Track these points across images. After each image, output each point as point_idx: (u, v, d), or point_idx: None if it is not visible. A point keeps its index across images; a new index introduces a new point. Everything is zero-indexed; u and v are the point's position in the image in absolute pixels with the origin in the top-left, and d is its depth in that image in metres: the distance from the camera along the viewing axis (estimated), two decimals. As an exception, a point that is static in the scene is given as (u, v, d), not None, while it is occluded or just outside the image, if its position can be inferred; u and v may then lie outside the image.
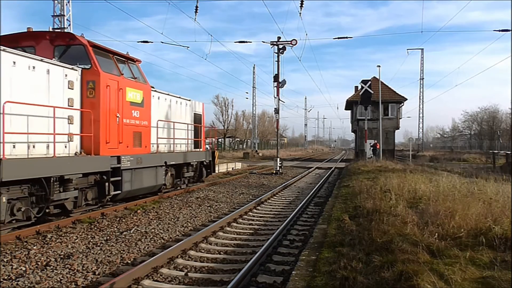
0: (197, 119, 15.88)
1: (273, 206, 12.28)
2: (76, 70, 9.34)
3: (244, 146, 72.26)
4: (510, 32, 21.52)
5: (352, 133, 54.30)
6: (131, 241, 7.69)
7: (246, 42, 39.17)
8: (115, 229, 8.63)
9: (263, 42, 30.61)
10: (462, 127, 78.51)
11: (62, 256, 6.60)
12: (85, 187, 9.46)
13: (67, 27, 19.05)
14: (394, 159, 33.09)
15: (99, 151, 9.57)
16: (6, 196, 7.14)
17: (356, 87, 42.78)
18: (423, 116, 62.70)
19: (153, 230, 8.64)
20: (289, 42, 24.55)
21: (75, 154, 9.27)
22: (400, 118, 41.83)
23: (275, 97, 24.91)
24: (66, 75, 9.00)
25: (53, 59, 9.23)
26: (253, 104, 60.20)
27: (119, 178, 10.21)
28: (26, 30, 9.91)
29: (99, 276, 5.77)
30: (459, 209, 6.83)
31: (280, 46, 24.74)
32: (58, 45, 9.78)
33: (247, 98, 63.43)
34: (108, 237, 7.91)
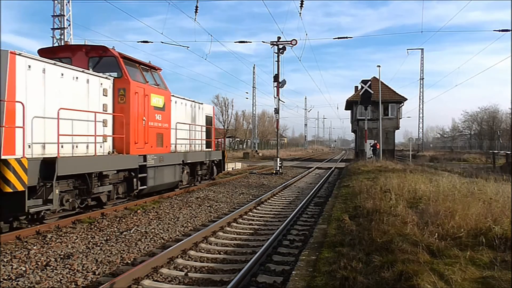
0: (208, 121, 17.05)
1: (273, 206, 12.28)
2: (109, 79, 10.55)
3: (244, 146, 72.29)
4: (510, 32, 21.53)
5: (352, 133, 54.32)
6: (131, 241, 7.69)
7: (246, 42, 39.22)
8: (115, 229, 8.63)
9: (263, 42, 30.65)
10: (462, 127, 78.56)
11: (62, 256, 6.60)
12: (117, 182, 10.59)
13: (67, 27, 19.05)
14: (394, 159, 33.09)
15: (129, 150, 10.77)
16: (58, 189, 8.20)
17: (356, 87, 42.80)
18: (423, 116, 62.77)
19: (153, 230, 8.64)
20: (289, 42, 24.55)
21: (108, 153, 10.44)
22: (400, 118, 41.84)
23: (275, 97, 24.92)
24: (101, 83, 10.20)
25: (88, 69, 10.35)
26: (253, 104, 60.30)
27: (145, 174, 11.39)
28: (64, 44, 10.82)
29: (99, 276, 5.77)
30: (459, 209, 6.83)
31: (280, 46, 24.74)
32: (92, 56, 10.95)
33: (247, 98, 63.55)
34: (108, 237, 7.91)
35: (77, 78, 9.31)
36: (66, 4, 19.08)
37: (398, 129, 42.38)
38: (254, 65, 74.62)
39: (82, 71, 9.60)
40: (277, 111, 25.29)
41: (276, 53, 24.80)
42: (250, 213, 10.88)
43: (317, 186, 17.04)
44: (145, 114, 11.48)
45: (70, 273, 5.84)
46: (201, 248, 7.32)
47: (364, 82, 31.16)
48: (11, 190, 7.09)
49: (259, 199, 12.71)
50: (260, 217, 10.55)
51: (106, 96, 10.35)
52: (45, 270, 5.91)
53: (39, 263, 6.23)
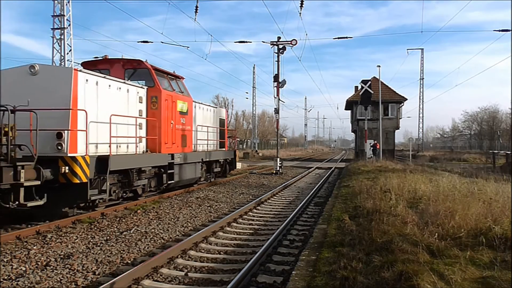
0: (222, 123, 18.87)
1: (273, 206, 12.28)
2: (144, 88, 12.11)
3: (244, 146, 72.26)
4: (510, 32, 21.53)
5: (352, 133, 54.33)
6: (131, 241, 7.69)
7: (246, 42, 39.35)
8: (115, 229, 8.63)
9: (263, 42, 30.64)
10: (462, 127, 78.60)
11: (62, 256, 6.61)
12: (150, 177, 12.14)
13: (67, 27, 19.05)
14: (394, 159, 33.08)
15: (161, 150, 12.42)
16: (109, 181, 9.68)
17: (356, 87, 42.78)
18: (423, 116, 62.78)
19: (153, 230, 8.64)
20: (289, 42, 24.54)
21: (143, 152, 11.92)
22: (400, 118, 41.83)
23: (275, 97, 24.91)
24: (138, 92, 11.76)
25: (124, 79, 11.72)
26: (253, 104, 60.28)
27: (172, 171, 12.96)
28: (103, 58, 12.90)
29: (99, 276, 5.77)
30: (459, 209, 6.83)
31: (280, 46, 24.73)
32: (128, 68, 12.55)
33: (247, 98, 63.55)
34: (108, 237, 7.91)
35: (120, 88, 10.88)
36: (66, 4, 19.08)
37: (398, 129, 42.42)
38: (254, 65, 74.71)
39: (124, 82, 11.19)
40: (277, 111, 25.30)
41: (276, 53, 24.80)
42: (250, 213, 10.88)
43: (317, 186, 17.05)
44: (173, 118, 13.21)
45: (70, 273, 5.84)
46: (201, 248, 7.32)
47: (364, 82, 31.13)
48: (78, 182, 8.65)
49: (259, 199, 12.71)
50: (260, 217, 10.55)
51: (141, 103, 11.95)
52: (45, 270, 5.91)
53: (39, 263, 6.23)
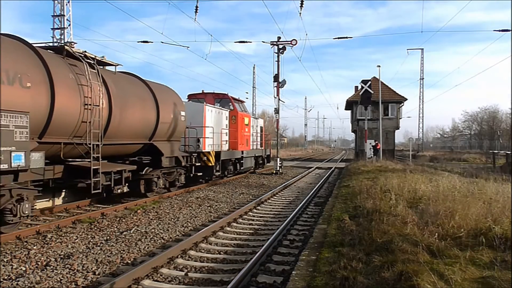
0: (261, 129, 25.86)
1: (273, 206, 12.28)
2: (227, 110, 19.43)
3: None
4: (510, 32, 21.51)
5: (352, 133, 54.29)
6: (131, 241, 7.69)
7: (246, 42, 39.39)
8: (115, 229, 8.63)
9: (263, 42, 30.72)
10: (462, 127, 78.61)
11: (62, 256, 6.60)
12: (232, 164, 19.40)
13: (67, 27, 19.05)
14: (394, 159, 33.08)
15: (237, 148, 19.98)
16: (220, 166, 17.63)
17: (356, 87, 42.76)
18: (423, 116, 62.89)
19: (153, 230, 8.64)
20: (289, 42, 24.55)
21: (227, 149, 18.88)
22: (400, 118, 41.81)
23: (275, 97, 24.93)
24: (225, 114, 19.06)
25: (214, 105, 18.69)
26: (253, 104, 60.33)
27: (242, 161, 20.65)
28: (200, 91, 20.14)
29: (99, 276, 5.77)
30: (459, 209, 6.83)
31: (280, 46, 24.74)
32: (217, 98, 20.04)
33: (247, 98, 63.51)
34: (108, 237, 7.91)
35: (219, 112, 18.22)
36: (66, 4, 19.09)
37: (398, 129, 42.38)
38: (254, 65, 74.76)
39: (220, 109, 18.52)
40: (277, 111, 25.31)
41: (276, 53, 24.81)
42: (250, 213, 10.88)
43: (317, 186, 17.04)
44: (242, 128, 20.61)
45: (70, 273, 5.84)
46: (201, 248, 7.32)
47: (364, 82, 31.11)
48: (210, 165, 16.11)
49: (259, 199, 12.71)
50: (260, 217, 10.55)
51: (226, 120, 19.17)
52: (45, 270, 5.91)
53: (39, 263, 6.23)
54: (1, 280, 5.47)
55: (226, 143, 18.73)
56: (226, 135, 18.82)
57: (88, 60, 9.85)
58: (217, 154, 16.94)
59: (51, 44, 10.53)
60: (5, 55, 7.58)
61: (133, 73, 12.89)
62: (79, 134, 9.42)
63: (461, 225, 6.04)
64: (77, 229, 8.45)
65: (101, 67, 10.80)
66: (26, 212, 7.93)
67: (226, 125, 18.93)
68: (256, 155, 23.86)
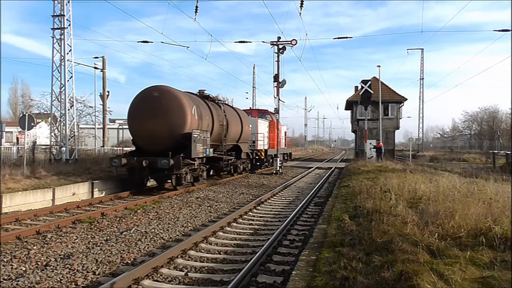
0: (285, 133, 33.31)
1: (273, 206, 12.28)
2: (267, 121, 27.42)
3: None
4: (510, 32, 21.51)
5: (352, 133, 54.27)
6: (131, 241, 7.69)
7: (246, 42, 39.23)
8: (115, 229, 8.63)
9: (263, 42, 30.71)
10: (462, 127, 78.47)
11: (62, 256, 6.61)
12: (271, 159, 26.58)
13: (67, 27, 19.00)
14: (394, 159, 33.05)
15: (274, 147, 26.62)
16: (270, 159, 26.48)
17: (356, 87, 42.71)
18: (423, 116, 62.76)
19: (153, 230, 8.64)
20: (289, 42, 24.54)
21: (268, 148, 26.41)
22: (400, 118, 41.77)
23: (275, 97, 24.93)
24: (266, 123, 27.05)
25: (258, 117, 25.83)
26: (253, 104, 60.13)
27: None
28: (249, 108, 31.38)
29: (99, 276, 5.77)
30: (459, 209, 6.82)
31: (280, 46, 24.73)
32: (260, 112, 28.30)
33: (247, 98, 63.66)
34: (108, 237, 7.91)
35: (264, 123, 26.46)
36: (66, 4, 19.02)
37: (398, 129, 42.34)
38: (254, 65, 74.52)
39: (265, 120, 27.18)
40: (277, 111, 25.32)
41: (276, 53, 24.80)
42: (250, 213, 10.88)
43: (317, 186, 17.05)
44: (276, 133, 27.03)
45: (70, 273, 5.84)
46: (201, 248, 7.32)
47: (364, 82, 31.11)
48: (262, 158, 25.25)
49: (259, 199, 12.71)
50: (260, 217, 10.55)
51: (267, 128, 26.88)
52: (45, 270, 5.91)
53: (39, 263, 6.23)
54: (1, 280, 5.47)
55: (267, 144, 26.65)
56: (267, 138, 26.91)
57: (218, 101, 19.74)
58: (265, 151, 25.76)
59: (192, 91, 18.21)
60: (200, 105, 16.33)
61: (227, 103, 24.76)
62: (218, 139, 18.59)
63: (461, 225, 6.04)
64: (77, 229, 8.45)
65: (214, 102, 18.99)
66: (204, 178, 17.13)
67: (267, 131, 27.03)
68: (284, 152, 31.97)
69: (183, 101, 14.61)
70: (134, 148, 15.66)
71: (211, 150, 16.64)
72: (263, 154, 25.16)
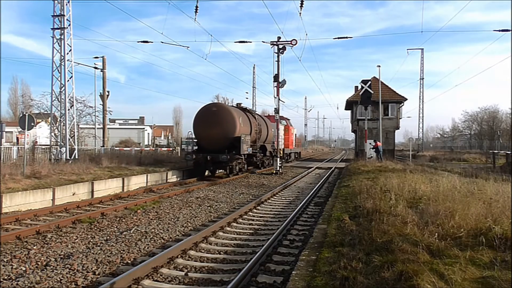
0: (295, 135, 39.26)
1: (273, 206, 12.28)
2: (283, 125, 32.94)
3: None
4: (510, 32, 21.51)
5: (352, 133, 54.28)
6: (131, 241, 7.69)
7: (246, 42, 39.26)
8: (115, 229, 8.63)
9: (263, 42, 30.90)
10: (462, 127, 78.44)
11: (62, 256, 6.61)
12: (287, 157, 35.27)
13: (67, 27, 19.01)
14: (394, 159, 33.04)
15: (289, 147, 35.90)
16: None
17: (356, 87, 42.71)
18: (423, 116, 62.78)
19: (153, 230, 8.64)
20: (289, 42, 24.53)
21: (284, 148, 31.97)
22: (400, 118, 41.76)
23: (275, 97, 24.92)
24: (283, 127, 31.55)
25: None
26: (253, 104, 60.23)
27: (291, 154, 37.99)
28: (268, 114, 37.60)
29: (99, 276, 5.77)
30: (459, 209, 6.82)
31: (280, 46, 24.72)
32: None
33: (247, 98, 63.54)
34: (108, 237, 7.91)
35: (281, 127, 29.49)
36: (66, 4, 19.03)
37: (398, 129, 42.32)
38: (254, 65, 74.40)
39: (283, 124, 32.11)
40: (277, 111, 25.31)
41: (276, 53, 24.79)
42: (250, 213, 10.88)
43: (317, 186, 17.05)
44: (289, 135, 34.88)
45: (70, 273, 5.84)
46: (201, 248, 7.32)
47: (364, 82, 31.08)
48: (280, 155, 26.35)
49: (259, 199, 12.71)
50: (260, 217, 10.55)
51: (283, 130, 31.28)
52: (45, 270, 5.91)
53: (39, 263, 6.23)
54: (1, 280, 5.47)
55: (283, 144, 30.81)
56: (283, 139, 31.43)
57: (253, 112, 25.95)
58: (283, 150, 29.60)
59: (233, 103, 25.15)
60: (243, 116, 21.91)
61: (255, 111, 29.48)
62: (253, 141, 23.78)
63: (461, 225, 6.03)
64: (77, 229, 8.45)
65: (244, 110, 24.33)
66: (244, 170, 22.85)
67: (283, 133, 31.69)
68: (295, 151, 40.14)
69: (233, 114, 20.42)
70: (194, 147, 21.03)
71: (250, 149, 22.25)
72: (281, 152, 28.97)
